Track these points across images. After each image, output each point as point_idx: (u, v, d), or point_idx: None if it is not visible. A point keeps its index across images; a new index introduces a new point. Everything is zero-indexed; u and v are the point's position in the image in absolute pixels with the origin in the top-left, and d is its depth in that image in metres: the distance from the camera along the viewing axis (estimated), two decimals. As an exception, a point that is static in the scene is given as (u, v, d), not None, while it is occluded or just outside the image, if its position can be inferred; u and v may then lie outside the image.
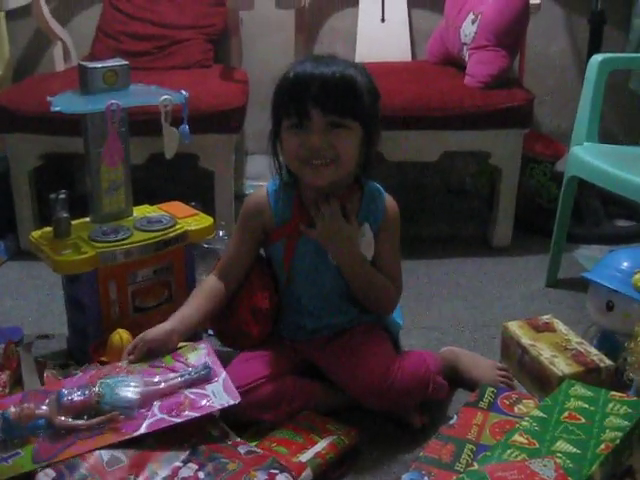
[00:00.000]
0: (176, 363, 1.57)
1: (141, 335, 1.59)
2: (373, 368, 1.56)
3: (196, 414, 1.45)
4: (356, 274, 1.64)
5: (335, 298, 1.68)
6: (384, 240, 1.67)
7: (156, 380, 1.51)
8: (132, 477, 1.34)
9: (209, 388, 1.51)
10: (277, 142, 1.61)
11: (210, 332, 1.98)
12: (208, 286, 1.70)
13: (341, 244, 1.61)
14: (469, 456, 1.45)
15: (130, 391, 1.47)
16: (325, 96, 1.50)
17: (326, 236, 1.61)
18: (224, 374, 1.54)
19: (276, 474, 1.34)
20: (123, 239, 1.77)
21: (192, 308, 1.66)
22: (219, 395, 1.49)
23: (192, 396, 1.49)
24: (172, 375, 1.53)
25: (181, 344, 1.64)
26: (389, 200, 1.69)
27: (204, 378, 1.53)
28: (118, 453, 1.38)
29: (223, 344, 1.78)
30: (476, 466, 1.33)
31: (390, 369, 1.56)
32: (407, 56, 2.96)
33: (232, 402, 1.48)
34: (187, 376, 1.52)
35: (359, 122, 1.54)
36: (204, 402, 1.48)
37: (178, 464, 1.37)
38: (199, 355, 1.60)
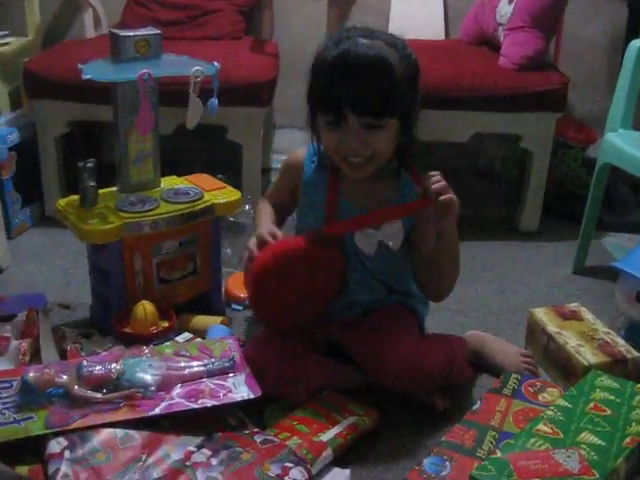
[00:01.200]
0: (201, 354, 1.58)
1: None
2: (398, 350, 1.55)
3: (214, 402, 1.45)
4: (453, 239, 1.60)
5: (366, 277, 1.66)
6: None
7: (179, 365, 1.52)
8: (144, 456, 1.34)
9: (230, 380, 1.51)
10: (315, 125, 1.59)
11: (234, 306, 1.98)
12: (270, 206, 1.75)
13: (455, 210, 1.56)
14: (491, 442, 1.44)
15: (151, 372, 1.48)
16: (360, 100, 1.46)
17: (453, 207, 1.55)
18: (247, 369, 1.54)
19: (290, 468, 1.33)
20: (150, 210, 1.76)
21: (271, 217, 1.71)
22: (240, 387, 1.49)
23: (213, 386, 1.49)
24: (196, 363, 1.54)
25: (209, 340, 1.67)
26: None
27: (227, 370, 1.53)
28: (132, 432, 1.38)
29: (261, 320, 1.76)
30: (499, 453, 1.32)
31: (415, 351, 1.55)
32: (440, 34, 2.92)
33: (252, 396, 1.47)
34: (210, 366, 1.53)
35: (396, 117, 1.51)
36: (224, 393, 1.47)
37: (192, 449, 1.37)
38: (225, 349, 1.60)
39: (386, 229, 1.61)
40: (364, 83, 1.45)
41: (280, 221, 1.74)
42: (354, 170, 1.56)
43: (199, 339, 1.71)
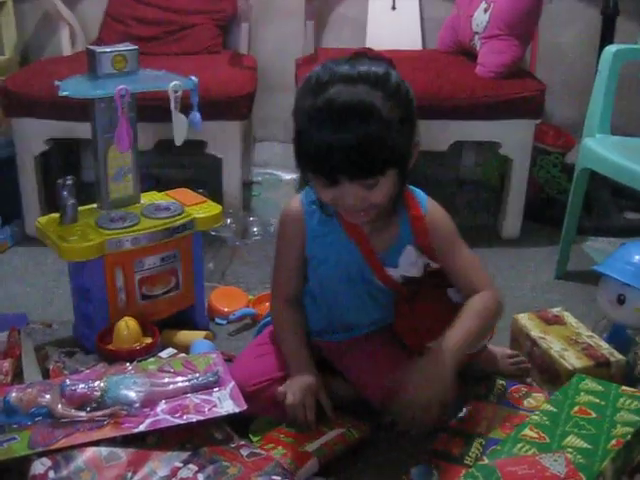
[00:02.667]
0: (185, 369, 1.57)
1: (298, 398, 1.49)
2: (385, 377, 1.51)
3: (199, 418, 1.44)
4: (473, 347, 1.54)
5: (367, 302, 1.63)
6: (447, 250, 1.56)
7: (163, 381, 1.51)
8: (130, 474, 1.33)
9: (215, 395, 1.50)
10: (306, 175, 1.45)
11: (217, 321, 1.98)
12: (290, 321, 1.62)
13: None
14: (478, 450, 1.44)
15: (135, 389, 1.46)
16: (353, 166, 1.33)
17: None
18: (232, 383, 1.53)
19: None
20: (130, 226, 1.76)
21: (303, 347, 1.60)
22: (225, 402, 1.48)
23: (197, 401, 1.48)
24: (180, 379, 1.52)
25: (193, 355, 1.67)
26: (430, 209, 1.57)
27: (211, 385, 1.52)
28: (117, 449, 1.37)
29: None
30: (486, 460, 1.32)
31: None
32: (417, 45, 2.93)
33: (237, 409, 1.46)
34: (195, 381, 1.52)
35: (393, 166, 1.38)
36: (209, 407, 1.46)
37: (178, 464, 1.36)
38: (209, 364, 1.59)
39: (404, 264, 1.57)
40: (353, 149, 1.31)
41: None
42: (352, 217, 1.47)
43: (183, 354, 1.70)
